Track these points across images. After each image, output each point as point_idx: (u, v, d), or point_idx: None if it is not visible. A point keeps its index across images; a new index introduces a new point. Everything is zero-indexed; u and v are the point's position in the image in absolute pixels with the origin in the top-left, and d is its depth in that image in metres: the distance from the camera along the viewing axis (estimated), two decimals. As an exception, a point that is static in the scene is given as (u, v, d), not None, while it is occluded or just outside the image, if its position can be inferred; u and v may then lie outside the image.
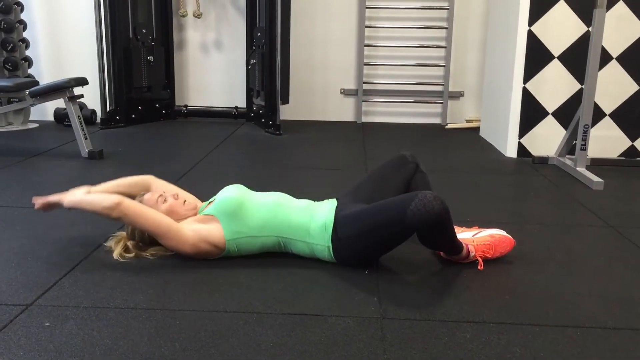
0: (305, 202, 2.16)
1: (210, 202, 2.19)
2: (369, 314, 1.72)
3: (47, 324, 1.63)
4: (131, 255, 2.08)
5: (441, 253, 2.13)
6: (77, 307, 1.73)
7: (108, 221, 2.48)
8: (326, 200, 2.17)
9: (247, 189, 2.20)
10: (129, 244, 2.11)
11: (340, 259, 2.04)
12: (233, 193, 2.11)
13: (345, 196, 2.19)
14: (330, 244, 2.01)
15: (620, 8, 3.82)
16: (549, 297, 1.87)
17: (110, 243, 2.16)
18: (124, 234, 2.16)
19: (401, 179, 2.26)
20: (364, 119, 5.54)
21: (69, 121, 3.88)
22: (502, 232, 2.17)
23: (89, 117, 4.94)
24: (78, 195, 2.08)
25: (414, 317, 1.71)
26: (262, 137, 4.68)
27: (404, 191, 2.22)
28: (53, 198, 2.12)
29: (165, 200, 2.14)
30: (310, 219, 2.05)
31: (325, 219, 2.03)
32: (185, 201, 2.17)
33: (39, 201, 2.15)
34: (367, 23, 5.35)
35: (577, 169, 3.50)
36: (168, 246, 2.06)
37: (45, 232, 2.37)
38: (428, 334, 1.61)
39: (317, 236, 2.03)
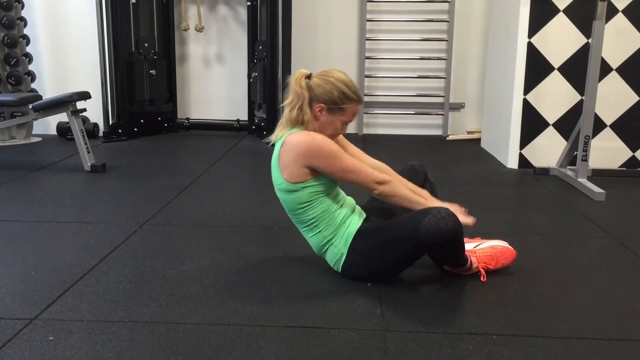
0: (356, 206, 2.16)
1: None
2: (372, 326, 1.73)
3: (51, 338, 1.63)
4: None
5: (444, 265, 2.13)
6: (81, 321, 1.73)
7: (112, 234, 2.50)
8: (357, 207, 2.17)
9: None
10: None
11: (346, 270, 2.04)
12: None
13: (367, 209, 2.18)
14: (346, 252, 2.02)
15: (620, 20, 3.84)
16: (551, 309, 1.87)
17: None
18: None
19: None
20: (366, 130, 5.56)
21: (72, 135, 3.89)
22: (504, 244, 2.17)
23: (91, 131, 4.97)
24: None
25: (416, 329, 1.71)
26: (264, 150, 4.69)
27: None
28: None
29: None
30: (349, 221, 2.05)
31: (356, 227, 2.03)
32: None
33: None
34: (367, 36, 5.38)
35: (579, 179, 3.51)
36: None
37: (48, 246, 2.38)
38: (431, 346, 1.61)
39: (340, 238, 2.03)
